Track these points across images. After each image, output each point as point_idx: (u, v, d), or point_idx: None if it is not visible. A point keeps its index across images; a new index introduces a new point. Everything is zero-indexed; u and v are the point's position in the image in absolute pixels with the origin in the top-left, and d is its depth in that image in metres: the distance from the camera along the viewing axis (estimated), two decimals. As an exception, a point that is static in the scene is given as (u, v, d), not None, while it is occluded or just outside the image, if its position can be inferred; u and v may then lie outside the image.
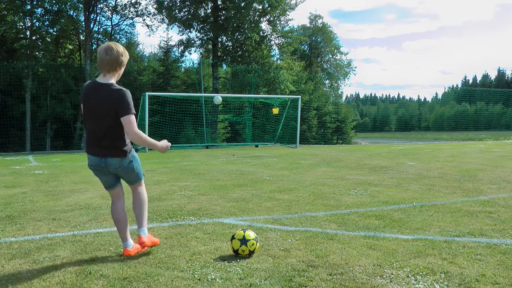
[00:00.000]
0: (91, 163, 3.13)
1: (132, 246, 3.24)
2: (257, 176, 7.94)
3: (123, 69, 3.09)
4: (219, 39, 25.10)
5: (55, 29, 23.94)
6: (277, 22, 25.44)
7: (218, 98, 16.30)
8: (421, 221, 4.25)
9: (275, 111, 19.05)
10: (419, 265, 2.96)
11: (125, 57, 3.04)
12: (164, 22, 25.85)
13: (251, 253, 3.14)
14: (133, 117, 2.94)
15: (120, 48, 2.99)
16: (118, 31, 26.73)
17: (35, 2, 22.30)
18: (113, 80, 3.02)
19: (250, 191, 6.14)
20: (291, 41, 27.27)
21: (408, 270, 2.88)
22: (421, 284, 2.65)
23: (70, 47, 27.74)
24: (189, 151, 16.61)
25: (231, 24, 23.49)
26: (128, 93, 2.98)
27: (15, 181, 7.55)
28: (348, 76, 48.10)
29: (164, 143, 3.15)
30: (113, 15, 25.82)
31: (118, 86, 2.99)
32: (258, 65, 24.69)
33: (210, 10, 24.73)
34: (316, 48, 46.95)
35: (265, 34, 25.38)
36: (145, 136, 3.00)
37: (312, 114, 31.66)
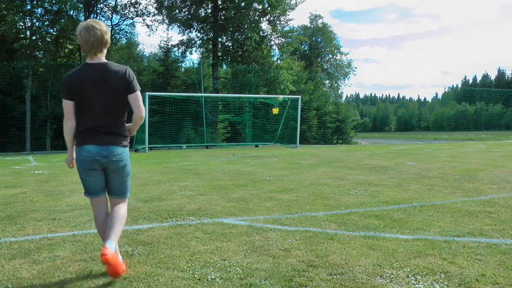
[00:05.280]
0: (88, 155, 2.73)
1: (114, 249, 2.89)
2: (257, 176, 7.94)
3: (107, 49, 2.84)
4: (219, 39, 25.10)
5: (55, 29, 23.93)
6: (277, 22, 25.44)
7: None
8: (421, 221, 4.25)
9: (275, 111, 19.03)
10: (419, 265, 2.96)
11: (109, 35, 2.81)
12: (164, 22, 25.86)
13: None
14: (140, 94, 2.80)
15: (103, 27, 2.74)
16: (118, 31, 26.72)
17: (35, 2, 22.29)
18: (104, 59, 2.79)
19: (250, 191, 6.14)
20: (291, 41, 27.25)
21: (408, 270, 2.88)
22: (421, 284, 2.65)
23: (70, 47, 27.71)
24: (189, 151, 16.61)
25: (231, 24, 23.49)
26: (130, 69, 2.82)
27: (15, 181, 7.55)
28: (348, 76, 48.14)
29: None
30: (113, 15, 25.82)
31: (119, 64, 2.80)
32: (258, 65, 24.69)
33: (210, 10, 24.74)
34: (316, 48, 46.94)
35: (265, 34, 25.39)
36: None
37: (312, 114, 31.66)
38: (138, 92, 2.79)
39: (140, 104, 2.78)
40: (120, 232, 2.83)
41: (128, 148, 2.88)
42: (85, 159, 2.75)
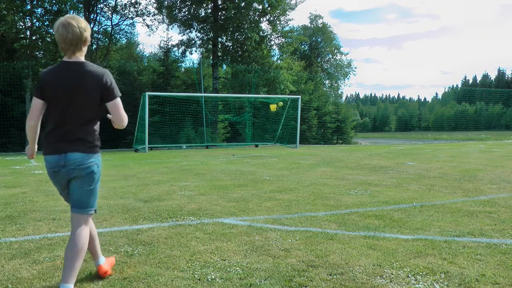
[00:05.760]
0: (49, 166, 2.56)
1: (105, 261, 2.89)
2: (257, 176, 7.94)
3: (87, 45, 2.63)
4: (219, 39, 25.11)
5: (55, 29, 23.93)
6: (277, 22, 25.45)
7: None
8: (421, 221, 4.25)
9: (273, 107, 19.01)
10: (419, 265, 2.96)
11: (88, 32, 2.57)
12: (164, 22, 25.87)
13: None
14: (120, 101, 2.57)
15: (82, 23, 2.52)
16: (118, 31, 26.70)
17: (35, 2, 22.30)
18: (83, 58, 2.58)
19: (250, 191, 6.14)
20: (291, 41, 27.26)
21: (408, 270, 2.88)
22: (421, 284, 2.65)
23: (70, 47, 27.71)
24: (189, 151, 16.61)
25: (231, 24, 23.50)
26: (110, 73, 2.61)
27: (15, 181, 7.55)
28: (348, 76, 48.16)
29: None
30: (113, 15, 25.80)
31: (97, 66, 2.58)
32: (258, 65, 24.68)
33: (210, 10, 24.75)
34: (316, 48, 46.95)
35: (265, 34, 25.39)
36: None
37: (312, 114, 31.63)
38: (118, 100, 2.56)
39: (120, 113, 2.55)
40: (79, 266, 2.52)
41: (96, 155, 2.59)
42: (48, 171, 2.60)
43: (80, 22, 2.51)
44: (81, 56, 2.56)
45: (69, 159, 2.50)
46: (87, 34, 2.56)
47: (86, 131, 2.54)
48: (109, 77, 2.54)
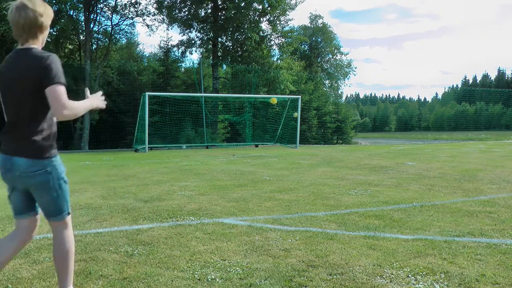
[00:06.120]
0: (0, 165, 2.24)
1: None
2: (257, 176, 7.94)
3: (47, 33, 2.28)
4: (219, 39, 25.13)
5: (55, 29, 23.93)
6: (277, 22, 25.48)
7: None
8: (421, 221, 4.25)
9: (274, 100, 19.04)
10: (419, 265, 2.96)
11: (46, 17, 2.21)
12: (164, 22, 25.89)
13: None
14: (62, 88, 2.09)
15: (39, 7, 2.16)
16: (118, 31, 26.72)
17: (35, 2, 22.29)
18: (37, 46, 2.23)
19: (250, 191, 6.14)
20: (291, 41, 27.29)
21: (408, 270, 2.88)
22: (421, 284, 2.65)
23: (70, 47, 27.73)
24: (189, 151, 16.62)
25: (231, 24, 23.51)
26: (56, 58, 2.17)
27: (15, 181, 7.54)
28: (348, 76, 48.18)
29: (95, 98, 2.39)
30: (113, 15, 25.82)
31: (43, 51, 2.21)
32: (258, 65, 24.70)
33: (210, 10, 24.77)
34: (316, 48, 46.95)
35: (265, 34, 25.41)
36: (78, 104, 2.16)
37: (312, 114, 31.66)
38: (57, 86, 2.07)
39: (58, 101, 2.06)
40: (72, 267, 2.39)
41: (45, 161, 2.19)
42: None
43: (36, 5, 2.16)
44: (34, 45, 2.21)
45: (14, 164, 2.17)
46: (44, 19, 2.20)
47: (33, 129, 2.16)
48: (51, 60, 2.13)
